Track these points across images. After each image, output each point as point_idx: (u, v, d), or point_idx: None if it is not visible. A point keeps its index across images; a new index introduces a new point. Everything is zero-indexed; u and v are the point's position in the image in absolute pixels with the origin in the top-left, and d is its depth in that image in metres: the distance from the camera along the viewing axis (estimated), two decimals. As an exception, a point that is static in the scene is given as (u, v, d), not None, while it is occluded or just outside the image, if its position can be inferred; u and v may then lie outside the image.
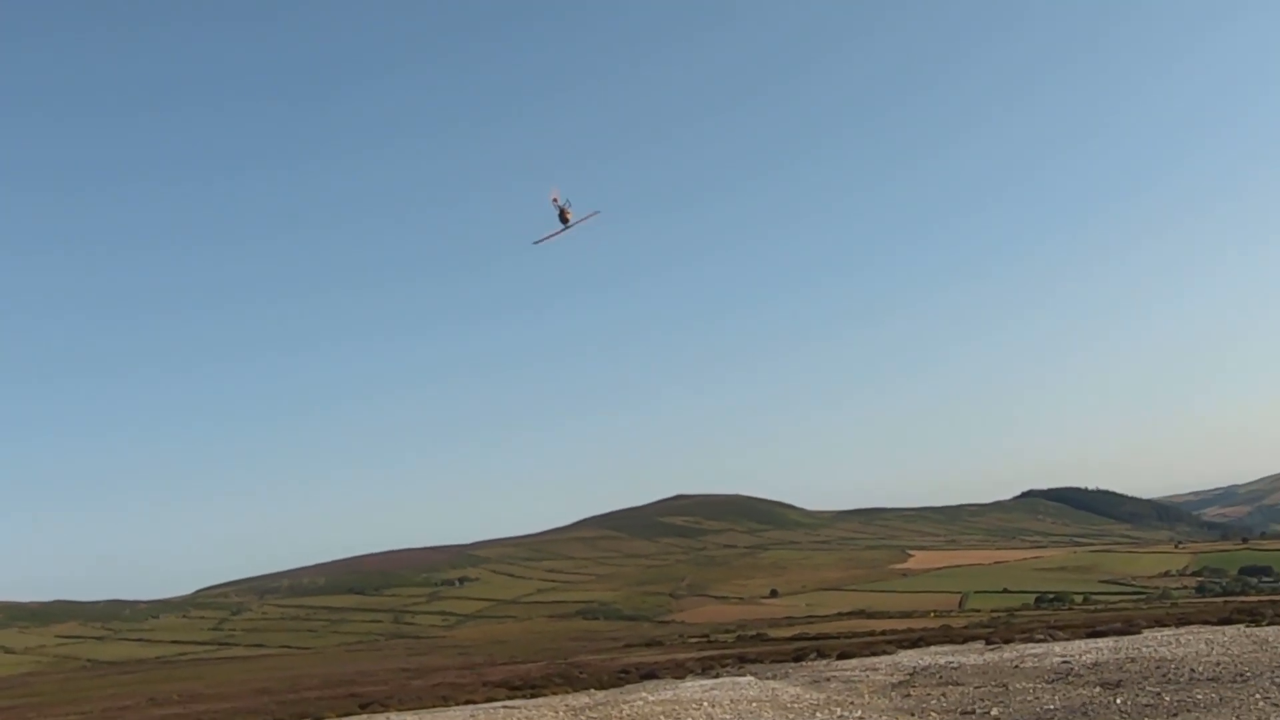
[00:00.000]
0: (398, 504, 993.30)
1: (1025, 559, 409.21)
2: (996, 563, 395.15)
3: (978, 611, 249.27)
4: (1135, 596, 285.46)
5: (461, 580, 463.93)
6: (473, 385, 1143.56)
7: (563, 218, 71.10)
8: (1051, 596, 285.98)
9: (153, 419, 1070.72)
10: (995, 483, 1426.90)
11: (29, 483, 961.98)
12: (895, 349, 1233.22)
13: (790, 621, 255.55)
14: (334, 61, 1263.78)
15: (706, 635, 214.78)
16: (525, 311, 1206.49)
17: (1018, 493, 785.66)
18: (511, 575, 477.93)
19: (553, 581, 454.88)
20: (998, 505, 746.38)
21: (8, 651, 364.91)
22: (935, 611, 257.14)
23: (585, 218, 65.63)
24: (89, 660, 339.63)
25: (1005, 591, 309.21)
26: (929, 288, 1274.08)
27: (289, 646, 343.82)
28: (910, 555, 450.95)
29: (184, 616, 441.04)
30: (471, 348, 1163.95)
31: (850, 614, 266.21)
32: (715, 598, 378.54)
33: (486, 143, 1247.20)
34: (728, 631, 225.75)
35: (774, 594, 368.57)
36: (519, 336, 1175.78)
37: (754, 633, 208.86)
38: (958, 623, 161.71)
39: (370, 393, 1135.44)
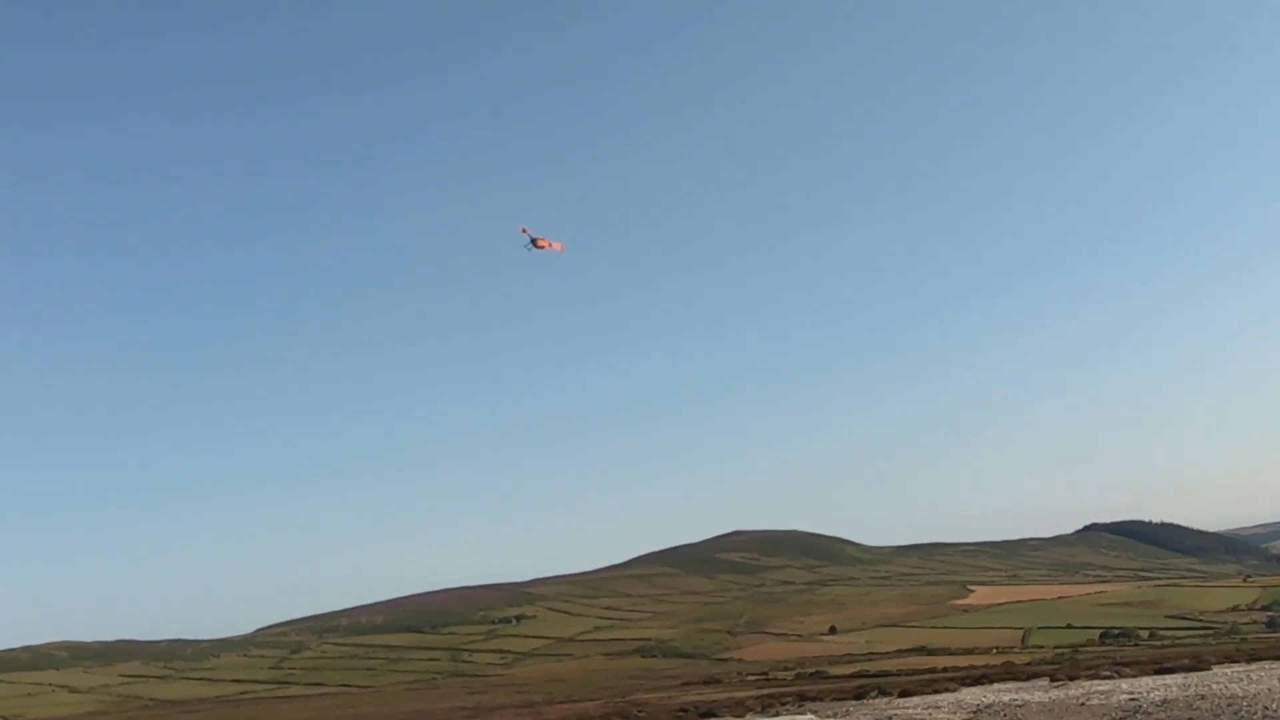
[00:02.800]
0: (454, 542, 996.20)
1: (1089, 594, 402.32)
2: (1059, 598, 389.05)
3: (1041, 648, 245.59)
4: (1203, 632, 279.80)
5: (518, 618, 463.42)
6: (526, 426, 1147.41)
7: (535, 244, 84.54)
8: (1117, 632, 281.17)
9: (210, 464, 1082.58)
10: (1056, 516, 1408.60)
11: (93, 523, 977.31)
12: (955, 388, 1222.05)
13: (850, 659, 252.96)
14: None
15: (765, 673, 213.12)
16: (586, 358, 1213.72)
17: (1079, 526, 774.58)
18: (568, 613, 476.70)
19: (610, 619, 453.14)
20: (1059, 539, 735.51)
21: (72, 691, 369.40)
22: (998, 648, 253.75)
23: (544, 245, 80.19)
24: (152, 700, 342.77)
25: (1069, 627, 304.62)
26: (993, 332, 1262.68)
27: (348, 685, 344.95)
28: (971, 591, 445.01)
29: (244, 655, 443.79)
30: (526, 393, 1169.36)
31: (911, 651, 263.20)
32: (774, 635, 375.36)
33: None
34: (787, 669, 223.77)
35: (833, 631, 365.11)
36: (573, 380, 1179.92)
37: (813, 670, 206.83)
38: (1021, 659, 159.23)
39: (425, 435, 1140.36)
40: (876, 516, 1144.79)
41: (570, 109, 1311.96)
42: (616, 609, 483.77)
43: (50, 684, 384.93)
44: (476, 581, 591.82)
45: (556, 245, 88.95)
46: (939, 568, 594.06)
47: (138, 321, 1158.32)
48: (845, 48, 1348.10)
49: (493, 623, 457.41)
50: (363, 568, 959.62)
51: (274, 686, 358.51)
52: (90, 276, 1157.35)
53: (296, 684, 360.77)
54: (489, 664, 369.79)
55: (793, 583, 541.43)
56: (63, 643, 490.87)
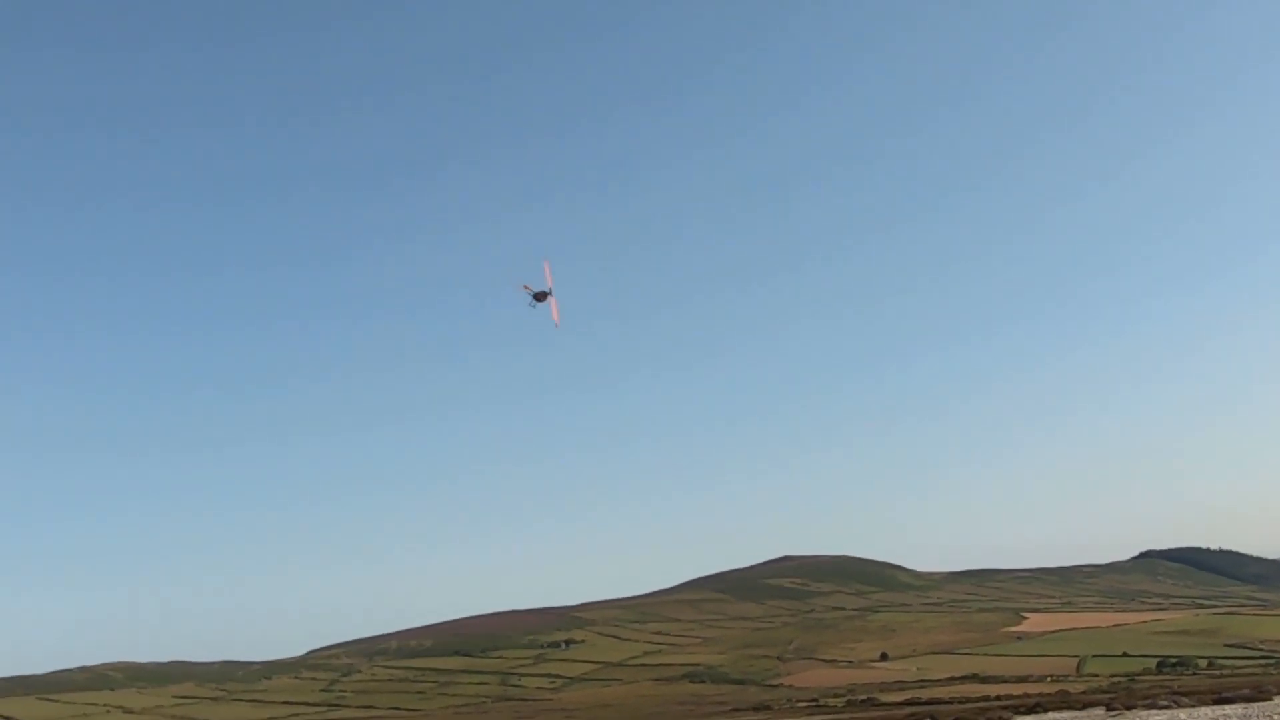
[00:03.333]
0: (502, 566, 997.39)
1: (1145, 621, 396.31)
2: (1115, 625, 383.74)
3: (1096, 676, 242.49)
4: (1263, 661, 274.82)
5: (567, 643, 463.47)
6: (576, 449, 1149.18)
7: (538, 298, 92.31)
8: (1174, 661, 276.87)
9: (264, 486, 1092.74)
10: (1112, 543, 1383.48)
11: (148, 545, 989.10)
12: (1006, 411, 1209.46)
13: (901, 686, 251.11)
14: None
15: (815, 699, 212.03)
16: (630, 378, 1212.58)
17: (1135, 553, 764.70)
18: (617, 638, 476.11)
19: (659, 644, 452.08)
20: (1114, 566, 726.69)
21: (127, 711, 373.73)
22: (1052, 676, 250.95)
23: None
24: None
25: (1125, 655, 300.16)
26: (1047, 352, 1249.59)
27: (398, 708, 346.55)
28: (1024, 618, 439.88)
29: (296, 678, 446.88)
30: (574, 417, 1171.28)
31: (963, 678, 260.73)
32: (824, 661, 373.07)
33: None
34: (837, 695, 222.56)
35: (884, 657, 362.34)
36: (622, 402, 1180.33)
37: (864, 697, 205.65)
38: (1075, 688, 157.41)
39: (474, 458, 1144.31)
40: (928, 542, 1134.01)
41: (595, 123, 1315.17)
42: (665, 634, 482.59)
43: (106, 704, 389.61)
44: (525, 605, 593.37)
45: (554, 310, 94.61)
46: (991, 594, 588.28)
47: (193, 332, 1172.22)
48: (870, 63, 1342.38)
49: (541, 647, 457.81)
50: (411, 590, 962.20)
51: (325, 709, 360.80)
52: (162, 285, 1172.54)
53: (347, 706, 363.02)
54: (538, 688, 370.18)
55: (843, 609, 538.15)
56: (118, 664, 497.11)
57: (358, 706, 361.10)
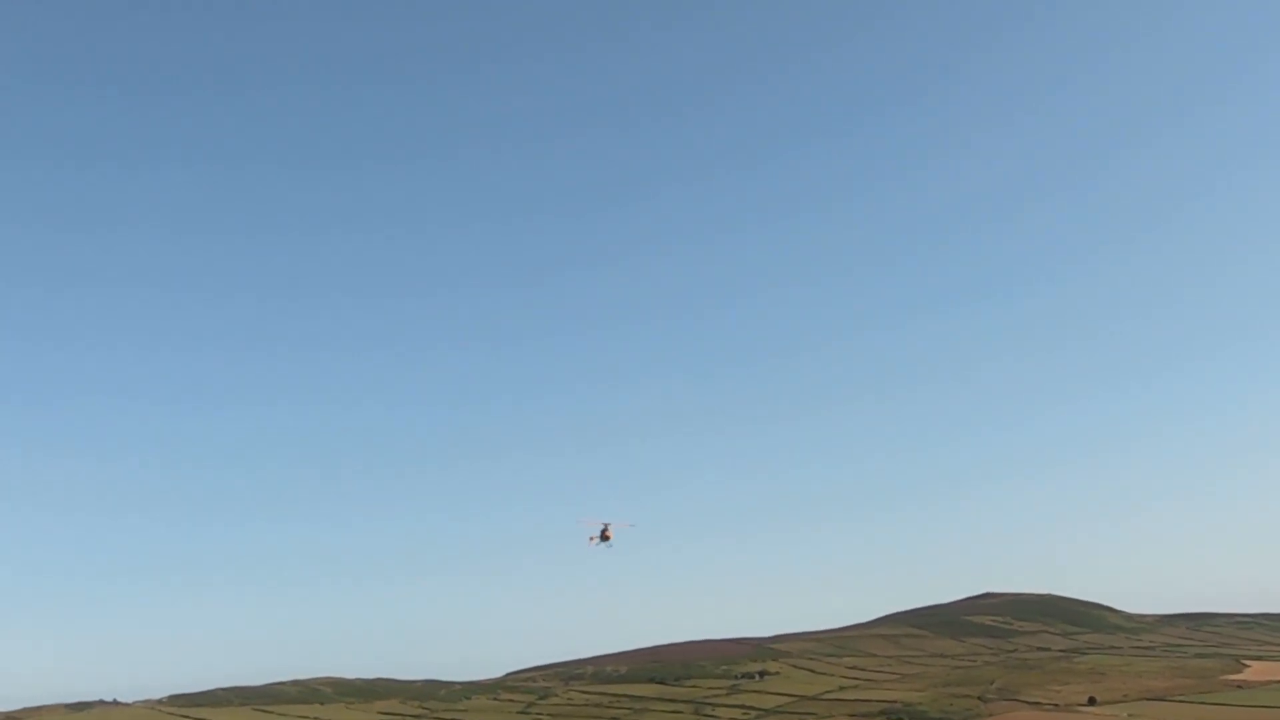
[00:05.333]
0: (696, 594, 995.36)
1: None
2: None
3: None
4: None
5: (762, 674, 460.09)
6: (773, 475, 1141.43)
7: (604, 536, 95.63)
8: None
9: (468, 508, 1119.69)
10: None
11: (358, 564, 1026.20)
12: (1228, 441, 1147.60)
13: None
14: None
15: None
16: (836, 404, 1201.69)
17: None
18: (812, 671, 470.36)
19: (855, 679, 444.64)
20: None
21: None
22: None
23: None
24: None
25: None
26: (1264, 382, 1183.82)
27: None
28: (1246, 665, 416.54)
29: (494, 699, 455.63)
30: (775, 440, 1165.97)
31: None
32: (1027, 703, 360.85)
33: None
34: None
35: (1092, 702, 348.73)
36: (824, 427, 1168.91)
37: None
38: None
39: (673, 482, 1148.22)
40: (1139, 582, 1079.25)
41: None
42: (862, 669, 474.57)
43: (316, 718, 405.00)
44: (719, 635, 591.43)
45: (609, 533, 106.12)
46: (1209, 639, 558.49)
47: (420, 348, 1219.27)
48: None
49: (735, 677, 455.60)
50: (607, 616, 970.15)
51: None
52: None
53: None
54: (731, 719, 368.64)
55: (1048, 649, 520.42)
56: (328, 679, 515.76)
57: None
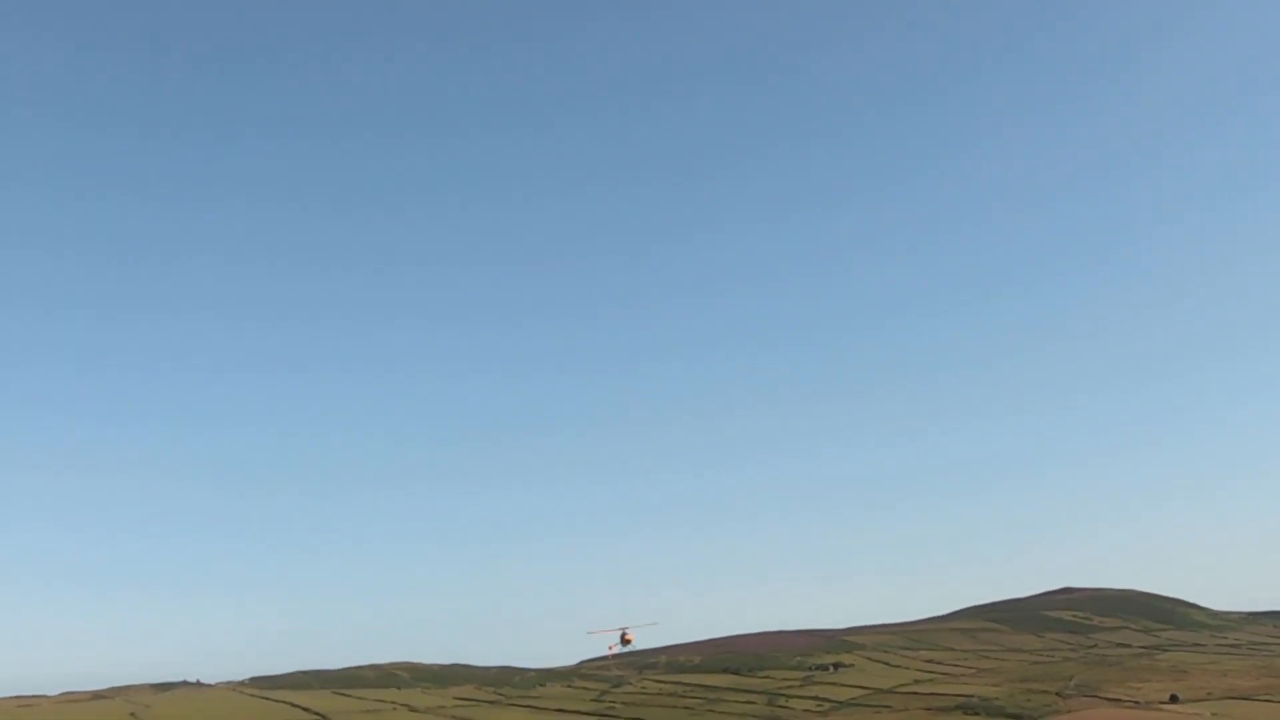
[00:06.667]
0: (770, 586, 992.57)
1: None
2: None
3: None
4: None
5: (836, 666, 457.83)
6: (846, 466, 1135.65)
7: (623, 640, 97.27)
8: None
9: (552, 500, 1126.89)
10: None
11: (436, 552, 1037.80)
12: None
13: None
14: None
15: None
16: (918, 391, 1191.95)
17: None
18: (888, 664, 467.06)
19: (931, 673, 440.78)
20: None
21: (412, 709, 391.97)
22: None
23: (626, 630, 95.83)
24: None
25: None
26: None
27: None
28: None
29: (569, 686, 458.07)
30: (849, 430, 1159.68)
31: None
32: (1107, 699, 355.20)
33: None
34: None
35: (1174, 699, 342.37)
36: (903, 415, 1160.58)
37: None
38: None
39: (746, 470, 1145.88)
40: (1224, 578, 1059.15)
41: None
42: (938, 662, 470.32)
43: (393, 702, 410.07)
44: (794, 626, 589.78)
45: (629, 636, 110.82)
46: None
47: (515, 323, 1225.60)
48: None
49: (810, 669, 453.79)
50: (680, 606, 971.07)
51: (596, 719, 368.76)
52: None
53: (617, 717, 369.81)
54: (805, 710, 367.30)
55: (1129, 645, 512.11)
56: (404, 663, 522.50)
57: (627, 718, 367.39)
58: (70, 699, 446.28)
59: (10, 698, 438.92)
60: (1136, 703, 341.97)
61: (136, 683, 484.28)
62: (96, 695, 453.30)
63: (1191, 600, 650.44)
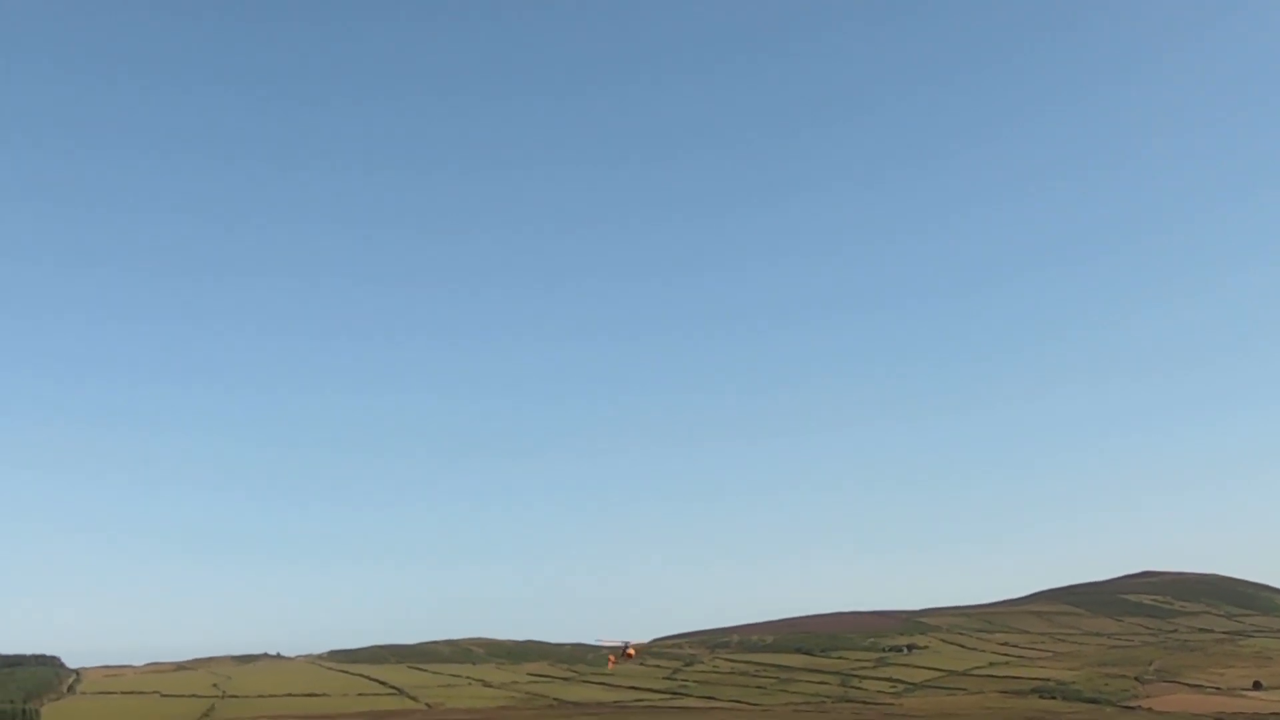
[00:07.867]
0: (844, 566, 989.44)
1: None
2: None
3: None
4: None
5: (910, 647, 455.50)
6: (923, 449, 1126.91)
7: (626, 654, 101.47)
8: None
9: (630, 481, 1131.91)
10: None
11: (513, 532, 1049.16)
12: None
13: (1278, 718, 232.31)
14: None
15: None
16: (996, 378, 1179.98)
17: None
18: (962, 646, 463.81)
19: (1006, 656, 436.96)
20: None
21: (486, 685, 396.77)
22: None
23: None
24: (555, 699, 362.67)
25: None
26: None
27: (739, 702, 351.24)
28: None
29: (642, 664, 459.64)
30: (924, 413, 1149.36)
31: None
32: (1188, 685, 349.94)
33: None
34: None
35: (1257, 686, 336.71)
36: (981, 400, 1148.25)
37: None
38: None
39: (823, 462, 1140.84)
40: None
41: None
42: (1013, 645, 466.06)
43: (467, 677, 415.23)
44: (867, 607, 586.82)
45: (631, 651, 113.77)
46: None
47: (581, 338, 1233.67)
48: None
49: (883, 650, 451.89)
50: (753, 585, 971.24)
51: (668, 696, 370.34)
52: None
53: (690, 695, 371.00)
54: (879, 691, 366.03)
55: (1211, 630, 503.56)
56: (479, 639, 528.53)
57: (700, 696, 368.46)
58: (155, 669, 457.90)
59: (98, 667, 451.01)
60: (1219, 689, 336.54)
61: (219, 654, 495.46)
62: (180, 666, 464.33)
63: (1277, 585, 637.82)
